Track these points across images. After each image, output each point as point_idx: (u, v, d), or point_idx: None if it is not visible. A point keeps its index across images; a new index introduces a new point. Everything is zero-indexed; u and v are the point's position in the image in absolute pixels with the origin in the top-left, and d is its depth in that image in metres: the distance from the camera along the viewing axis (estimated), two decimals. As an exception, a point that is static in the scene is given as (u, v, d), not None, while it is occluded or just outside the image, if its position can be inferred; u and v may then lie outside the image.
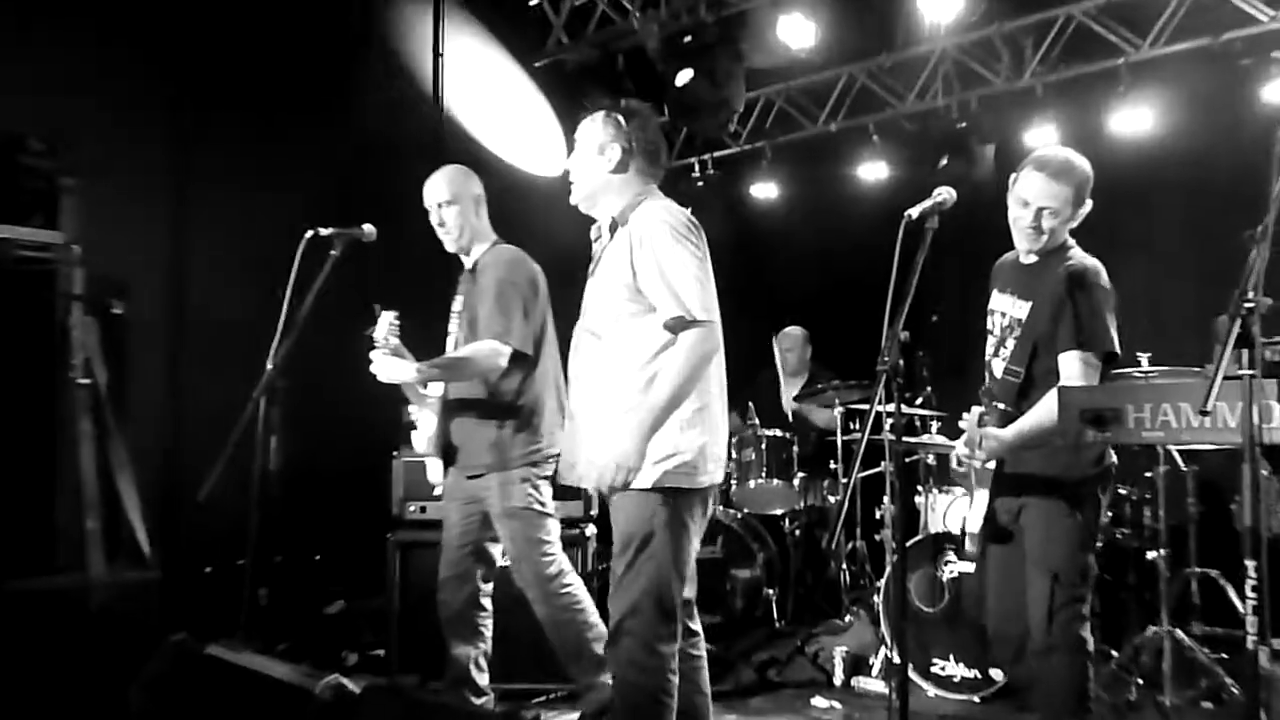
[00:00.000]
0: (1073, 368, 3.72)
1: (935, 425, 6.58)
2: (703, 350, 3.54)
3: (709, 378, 3.63)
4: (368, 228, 4.49)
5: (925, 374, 6.96)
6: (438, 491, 4.94)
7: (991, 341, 4.01)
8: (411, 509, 5.74)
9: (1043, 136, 7.89)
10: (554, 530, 4.70)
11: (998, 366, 3.94)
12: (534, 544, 4.61)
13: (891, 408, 3.33)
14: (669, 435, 3.56)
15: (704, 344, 3.54)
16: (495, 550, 4.82)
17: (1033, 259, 3.93)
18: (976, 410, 3.87)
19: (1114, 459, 3.94)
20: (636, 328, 3.63)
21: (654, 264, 3.56)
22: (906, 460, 6.62)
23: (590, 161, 3.82)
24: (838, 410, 7.01)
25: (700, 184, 9.62)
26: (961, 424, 3.91)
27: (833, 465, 7.22)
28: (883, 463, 6.94)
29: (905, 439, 5.99)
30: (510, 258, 4.71)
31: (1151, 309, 7.38)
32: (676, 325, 3.54)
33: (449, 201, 4.70)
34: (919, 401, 6.87)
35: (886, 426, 5.40)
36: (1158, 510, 5.60)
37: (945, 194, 3.47)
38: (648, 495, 3.57)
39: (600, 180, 3.80)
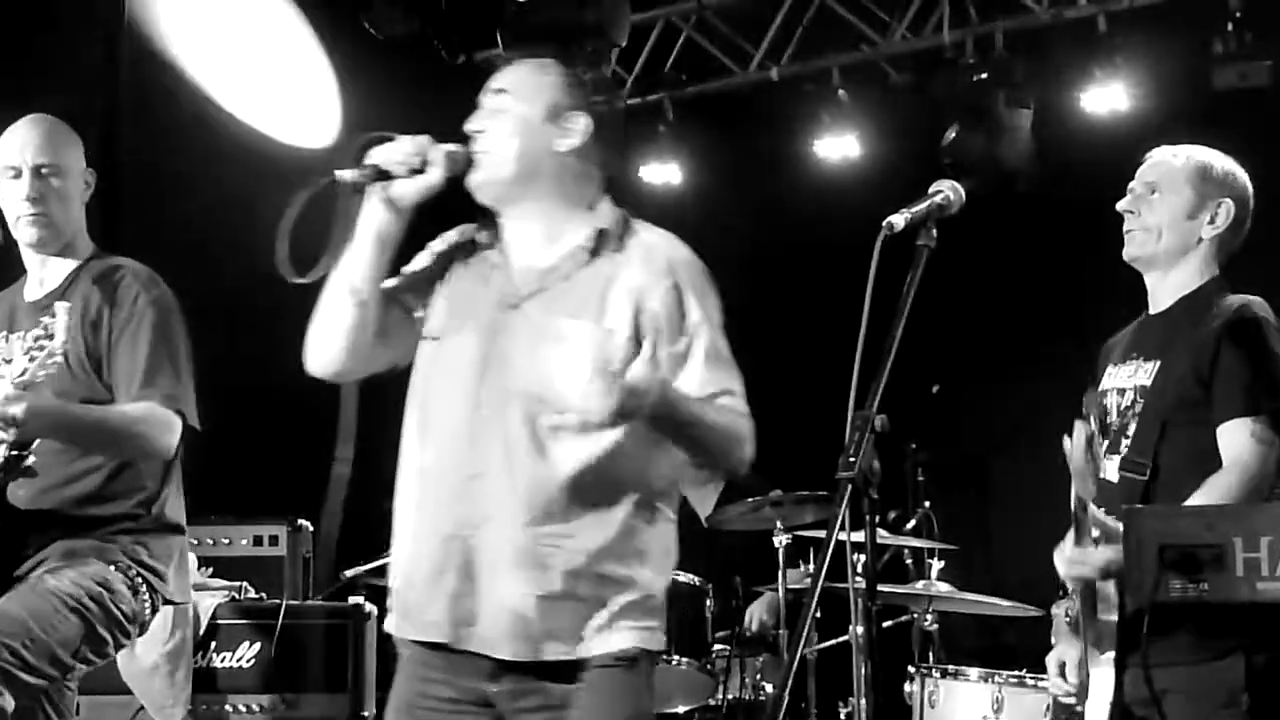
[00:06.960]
0: (1239, 443, 3.24)
1: (937, 566, 5.48)
2: None
3: None
4: None
5: (921, 481, 6.06)
6: None
7: (1108, 435, 3.59)
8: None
9: (1109, 99, 6.31)
10: None
11: (1111, 467, 3.51)
12: None
13: (862, 537, 2.66)
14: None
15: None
16: None
17: (1166, 302, 3.50)
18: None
19: None
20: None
21: (710, 336, 2.92)
22: (887, 625, 5.61)
23: (534, 128, 2.94)
24: (780, 539, 5.79)
25: None
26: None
27: (774, 633, 5.86)
28: (850, 628, 5.45)
29: (887, 588, 5.27)
30: (154, 278, 3.82)
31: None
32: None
33: (53, 168, 3.68)
34: (910, 526, 5.94)
35: (854, 567, 4.68)
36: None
37: (948, 191, 2.85)
38: (637, 666, 2.84)
39: (546, 162, 2.94)
